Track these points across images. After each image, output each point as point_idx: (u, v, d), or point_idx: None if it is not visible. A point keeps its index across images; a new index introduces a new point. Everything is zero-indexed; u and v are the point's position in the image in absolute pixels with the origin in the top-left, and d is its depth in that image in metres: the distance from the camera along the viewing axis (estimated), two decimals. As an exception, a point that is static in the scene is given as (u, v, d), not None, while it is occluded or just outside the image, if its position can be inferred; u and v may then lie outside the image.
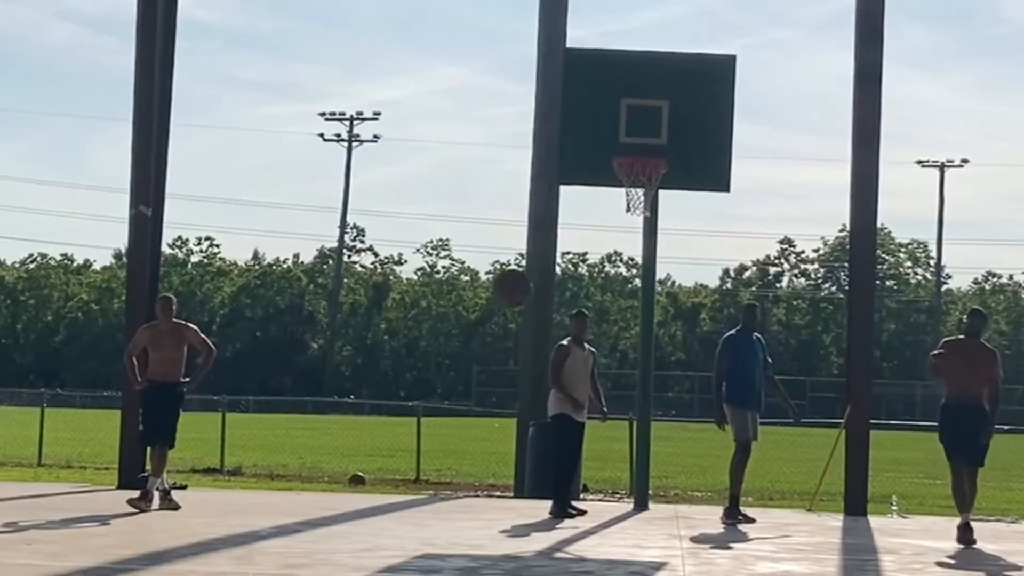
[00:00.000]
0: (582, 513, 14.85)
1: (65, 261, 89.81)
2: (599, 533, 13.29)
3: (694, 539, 12.76)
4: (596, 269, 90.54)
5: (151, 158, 17.46)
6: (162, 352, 14.30)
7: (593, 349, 15.29)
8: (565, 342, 15.03)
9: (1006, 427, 43.68)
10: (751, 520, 14.69)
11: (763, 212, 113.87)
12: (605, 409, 15.24)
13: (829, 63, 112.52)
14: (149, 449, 14.73)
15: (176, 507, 13.93)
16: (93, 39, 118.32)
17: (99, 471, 20.30)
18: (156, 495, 14.04)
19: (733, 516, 14.68)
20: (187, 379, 14.35)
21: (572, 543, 12.29)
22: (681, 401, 71.51)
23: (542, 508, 15.51)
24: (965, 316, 13.43)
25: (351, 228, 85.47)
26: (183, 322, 14.79)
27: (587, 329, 15.39)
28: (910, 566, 11.25)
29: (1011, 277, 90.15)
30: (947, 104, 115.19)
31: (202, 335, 14.65)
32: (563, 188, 19.71)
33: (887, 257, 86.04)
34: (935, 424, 13.50)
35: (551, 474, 15.45)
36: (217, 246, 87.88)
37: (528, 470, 18.28)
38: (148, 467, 14.66)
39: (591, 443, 18.98)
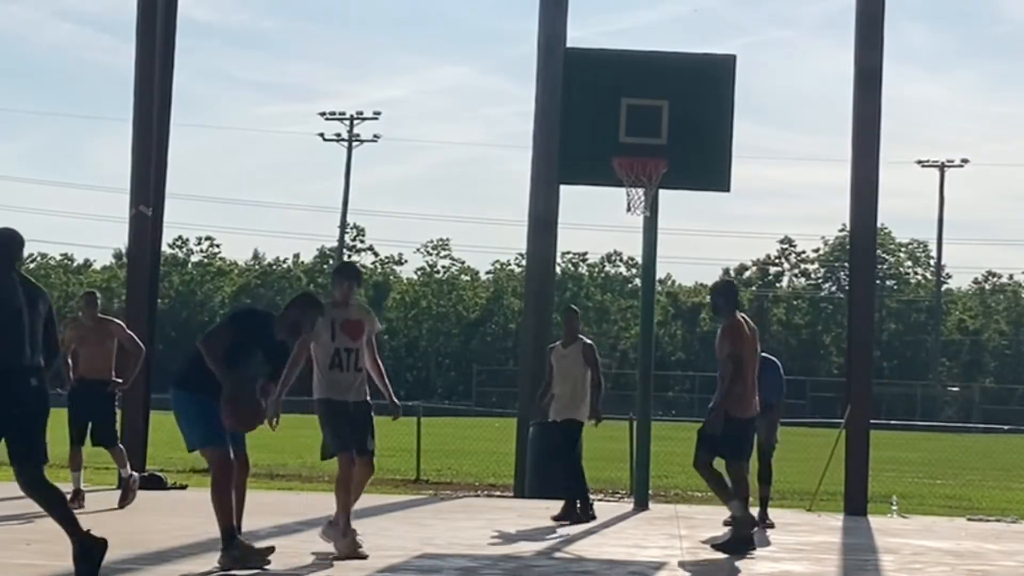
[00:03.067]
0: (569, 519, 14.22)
1: (65, 261, 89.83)
2: (599, 533, 13.29)
3: (694, 539, 12.76)
4: (596, 269, 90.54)
5: (151, 158, 17.46)
6: (87, 349, 14.12)
7: (588, 342, 14.62)
8: (554, 344, 14.95)
9: (1006, 427, 43.75)
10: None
11: (763, 212, 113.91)
12: (596, 417, 14.61)
13: (829, 63, 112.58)
14: (70, 450, 14.23)
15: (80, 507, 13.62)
16: (93, 38, 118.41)
17: (99, 471, 20.26)
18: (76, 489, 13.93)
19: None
20: (119, 380, 14.18)
21: (572, 543, 12.30)
22: (681, 401, 71.50)
23: (542, 508, 15.51)
24: (710, 297, 12.61)
25: (351, 228, 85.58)
26: (108, 318, 14.58)
27: (573, 325, 14.73)
28: (910, 566, 11.25)
29: (1011, 277, 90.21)
30: (947, 104, 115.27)
31: (129, 332, 14.36)
32: (563, 188, 19.72)
33: (887, 257, 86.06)
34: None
35: None
36: (217, 246, 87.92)
37: (528, 470, 18.28)
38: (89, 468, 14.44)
39: (591, 443, 18.98)
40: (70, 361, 14.20)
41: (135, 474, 14.41)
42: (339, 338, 10.37)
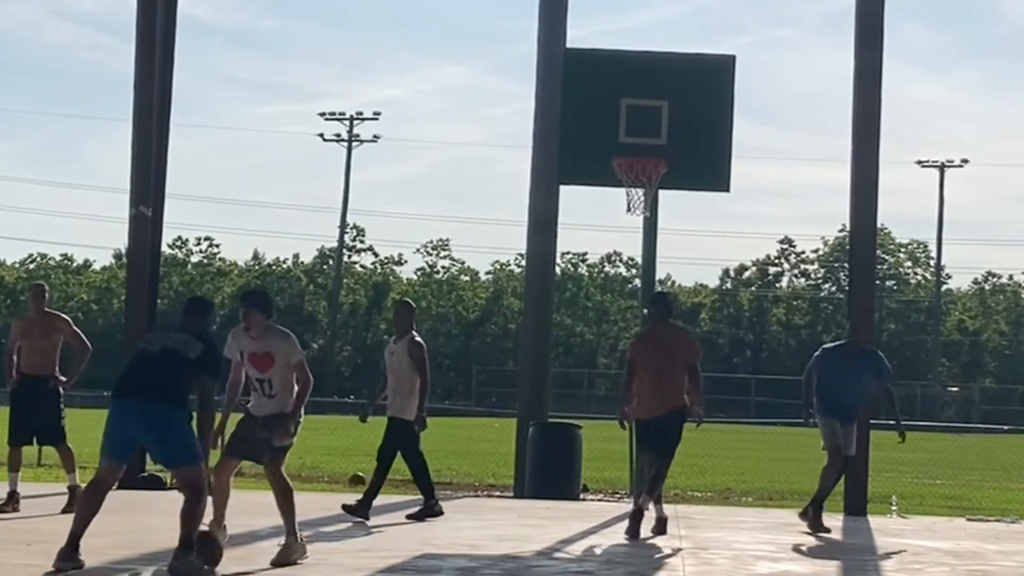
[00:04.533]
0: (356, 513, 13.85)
1: (65, 261, 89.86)
2: (599, 533, 13.29)
3: (694, 539, 12.76)
4: (596, 269, 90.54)
5: (151, 158, 17.45)
6: (31, 342, 13.63)
7: (416, 339, 13.74)
8: (391, 337, 14.27)
9: (1006, 427, 43.70)
10: (825, 530, 13.79)
11: (763, 212, 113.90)
12: (419, 424, 13.76)
13: (829, 63, 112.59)
14: (10, 450, 13.79)
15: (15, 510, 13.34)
16: (92, 38, 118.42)
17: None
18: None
19: (809, 518, 13.99)
20: (63, 377, 13.70)
21: (572, 543, 12.30)
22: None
23: (542, 508, 15.52)
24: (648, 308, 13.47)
25: (351, 228, 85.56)
26: (55, 312, 14.10)
27: (403, 319, 14.06)
28: (910, 566, 11.26)
29: (1011, 277, 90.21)
30: (947, 104, 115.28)
31: (75, 328, 13.92)
32: (563, 188, 19.71)
33: (887, 257, 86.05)
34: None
35: None
36: (217, 246, 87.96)
37: (528, 470, 18.27)
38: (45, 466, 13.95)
39: (591, 443, 18.98)
40: (15, 357, 13.70)
41: (81, 486, 13.56)
42: (248, 367, 10.32)
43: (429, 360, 14.00)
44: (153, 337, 9.37)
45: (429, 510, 14.08)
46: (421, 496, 14.41)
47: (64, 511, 13.36)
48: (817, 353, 14.52)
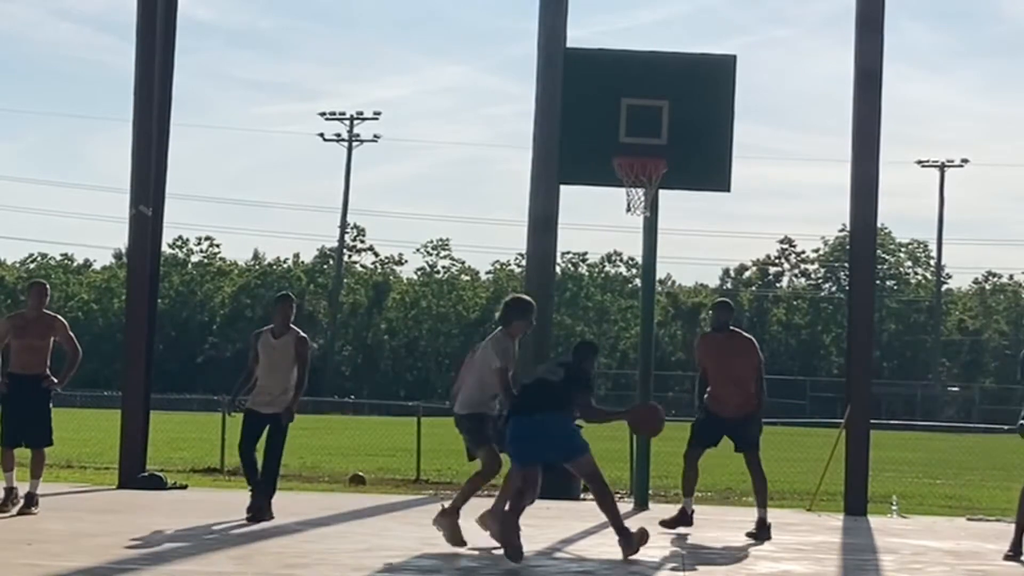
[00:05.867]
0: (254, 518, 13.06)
1: (65, 261, 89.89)
2: (599, 533, 13.28)
3: (694, 539, 12.76)
4: (596, 269, 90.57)
5: (151, 158, 17.44)
6: (24, 341, 13.23)
7: (302, 334, 13.37)
8: (263, 329, 13.72)
9: (1006, 427, 43.64)
10: None
11: (763, 212, 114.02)
12: (289, 416, 13.32)
13: (829, 63, 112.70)
14: (3, 450, 13.31)
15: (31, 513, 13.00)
16: (92, 38, 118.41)
17: (99, 471, 20.24)
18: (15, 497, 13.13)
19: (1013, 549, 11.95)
20: (55, 379, 13.29)
21: (572, 543, 12.30)
22: (681, 401, 71.53)
23: (542, 508, 15.49)
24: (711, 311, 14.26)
25: (351, 228, 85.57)
26: (53, 314, 13.68)
27: (287, 312, 13.44)
28: (910, 566, 11.25)
29: (1011, 277, 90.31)
30: (947, 104, 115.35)
31: (70, 332, 13.58)
32: (563, 188, 19.70)
33: (887, 257, 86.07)
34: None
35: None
36: (217, 246, 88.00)
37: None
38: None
39: (591, 443, 18.92)
40: (2, 356, 13.37)
41: (38, 495, 13.30)
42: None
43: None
44: (533, 374, 11.69)
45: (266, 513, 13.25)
46: (257, 493, 13.38)
47: (20, 513, 12.97)
48: None
